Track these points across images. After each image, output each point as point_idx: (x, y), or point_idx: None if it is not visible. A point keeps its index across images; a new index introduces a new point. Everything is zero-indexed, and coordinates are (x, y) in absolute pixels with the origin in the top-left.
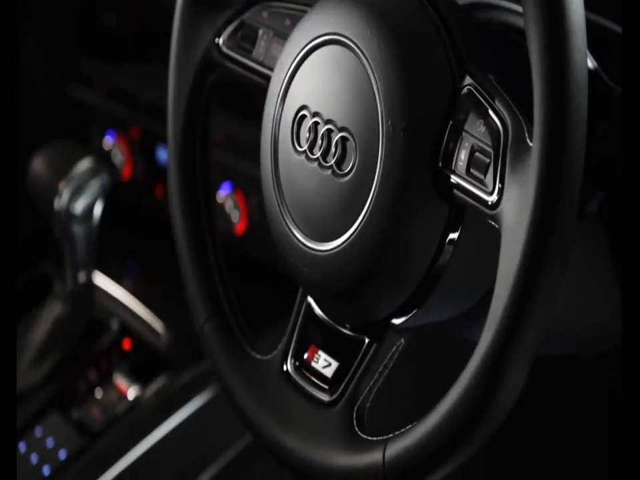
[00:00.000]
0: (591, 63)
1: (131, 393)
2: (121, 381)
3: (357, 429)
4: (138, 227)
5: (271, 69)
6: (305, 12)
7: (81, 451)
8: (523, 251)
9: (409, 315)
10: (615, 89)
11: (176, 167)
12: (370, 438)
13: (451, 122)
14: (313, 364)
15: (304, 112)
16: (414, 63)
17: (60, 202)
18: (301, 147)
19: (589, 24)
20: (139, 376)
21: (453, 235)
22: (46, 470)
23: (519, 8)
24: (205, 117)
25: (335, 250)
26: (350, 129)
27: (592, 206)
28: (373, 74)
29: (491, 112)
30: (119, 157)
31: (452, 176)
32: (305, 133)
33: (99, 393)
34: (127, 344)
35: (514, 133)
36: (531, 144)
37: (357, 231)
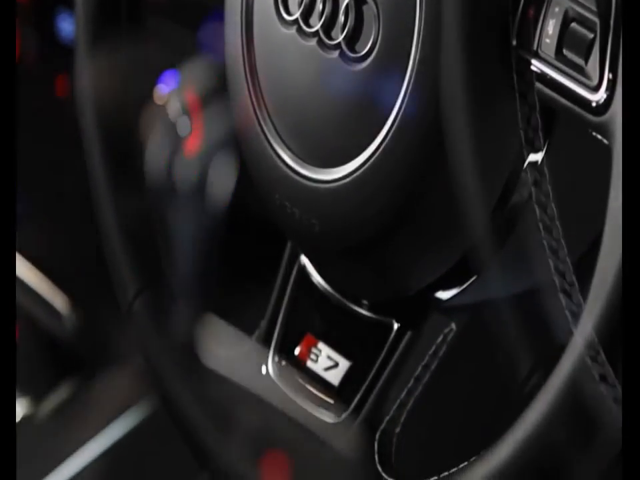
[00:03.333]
0: None
1: (18, 409)
2: None
3: (379, 468)
4: (32, 148)
5: None
6: None
7: None
8: None
9: (464, 285)
10: None
11: (87, 44)
12: None
13: None
14: (310, 363)
15: None
16: None
17: None
18: (289, 14)
19: None
20: (30, 383)
21: (535, 157)
22: None
23: None
24: None
25: (347, 179)
26: None
27: None
28: None
29: None
30: None
31: (534, 61)
32: None
33: None
34: None
35: None
36: None
37: (382, 148)
